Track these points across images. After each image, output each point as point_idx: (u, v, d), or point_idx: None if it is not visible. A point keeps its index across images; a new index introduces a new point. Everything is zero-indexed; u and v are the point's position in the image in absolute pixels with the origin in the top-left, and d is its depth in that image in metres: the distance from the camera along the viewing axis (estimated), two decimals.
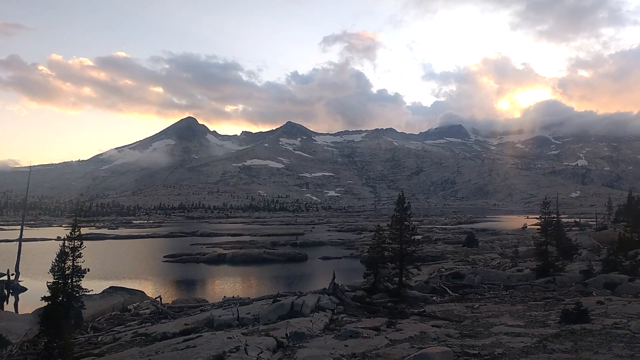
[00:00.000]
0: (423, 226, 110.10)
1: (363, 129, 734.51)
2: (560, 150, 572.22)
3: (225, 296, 32.30)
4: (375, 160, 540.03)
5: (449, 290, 28.32)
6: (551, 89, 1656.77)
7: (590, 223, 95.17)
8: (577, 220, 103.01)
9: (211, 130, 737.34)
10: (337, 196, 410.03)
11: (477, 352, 12.67)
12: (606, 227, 68.09)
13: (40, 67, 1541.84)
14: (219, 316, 21.35)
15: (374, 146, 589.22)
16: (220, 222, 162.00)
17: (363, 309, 22.28)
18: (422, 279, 31.70)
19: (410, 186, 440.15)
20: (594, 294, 24.24)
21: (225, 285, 44.06)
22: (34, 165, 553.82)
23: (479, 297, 26.35)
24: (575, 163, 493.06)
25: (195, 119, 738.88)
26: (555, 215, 41.62)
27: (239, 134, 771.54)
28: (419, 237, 44.43)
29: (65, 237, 22.44)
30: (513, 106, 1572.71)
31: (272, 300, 23.54)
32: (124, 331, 21.49)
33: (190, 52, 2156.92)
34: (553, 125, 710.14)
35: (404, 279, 25.96)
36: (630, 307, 19.04)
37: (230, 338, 15.11)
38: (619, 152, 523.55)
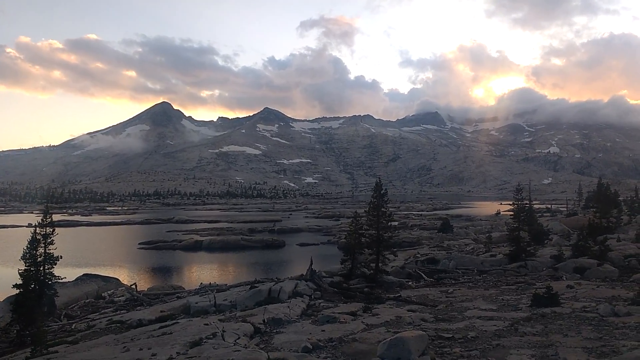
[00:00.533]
0: (399, 212, 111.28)
1: (341, 116, 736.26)
2: (533, 138, 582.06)
3: (202, 283, 32.10)
4: (352, 147, 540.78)
5: (424, 276, 28.78)
6: (525, 76, 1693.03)
7: (561, 209, 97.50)
8: (549, 206, 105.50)
9: (187, 115, 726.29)
10: (315, 183, 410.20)
11: (451, 335, 12.92)
12: (576, 213, 69.82)
13: (8, 50, 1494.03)
14: (196, 303, 21.28)
15: (352, 133, 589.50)
16: (196, 209, 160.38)
17: (340, 294, 22.46)
18: (398, 265, 32.10)
19: (387, 173, 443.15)
20: (564, 279, 24.92)
21: (202, 272, 43.78)
22: (3, 151, 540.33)
23: (453, 282, 26.85)
24: (548, 150, 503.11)
25: (170, 104, 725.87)
26: (527, 202, 42.52)
27: (215, 120, 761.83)
28: (396, 223, 44.83)
29: (37, 223, 22.03)
30: (488, 94, 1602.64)
31: (249, 286, 23.52)
32: (99, 319, 21.24)
33: (164, 35, 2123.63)
34: (526, 112, 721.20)
35: (380, 264, 26.25)
36: (598, 291, 19.63)
37: (207, 324, 15.06)
38: (589, 139, 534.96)
